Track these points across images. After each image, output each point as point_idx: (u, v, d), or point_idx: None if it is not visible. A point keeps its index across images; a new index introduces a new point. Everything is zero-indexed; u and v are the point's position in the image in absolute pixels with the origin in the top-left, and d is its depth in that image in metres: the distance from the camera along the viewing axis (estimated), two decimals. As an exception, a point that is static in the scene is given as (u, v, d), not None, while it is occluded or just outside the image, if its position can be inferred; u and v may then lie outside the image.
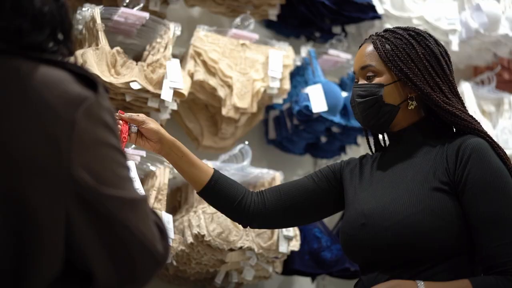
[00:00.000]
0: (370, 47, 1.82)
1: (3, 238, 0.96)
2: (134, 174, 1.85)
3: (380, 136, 1.97)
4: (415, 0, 3.44)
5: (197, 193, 1.94)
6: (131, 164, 1.89)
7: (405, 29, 1.84)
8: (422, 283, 1.60)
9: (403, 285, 1.61)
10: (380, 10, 3.31)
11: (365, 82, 1.81)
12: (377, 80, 1.79)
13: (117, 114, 1.84)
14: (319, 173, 1.97)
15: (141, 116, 1.86)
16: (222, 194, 1.90)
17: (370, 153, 1.99)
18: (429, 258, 1.65)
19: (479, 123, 1.78)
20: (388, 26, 3.34)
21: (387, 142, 1.94)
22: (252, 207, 1.92)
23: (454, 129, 1.82)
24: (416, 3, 3.43)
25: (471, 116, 1.78)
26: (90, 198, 0.99)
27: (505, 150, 3.52)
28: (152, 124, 1.85)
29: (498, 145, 1.74)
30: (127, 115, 1.84)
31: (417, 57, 1.78)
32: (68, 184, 0.98)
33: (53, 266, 1.00)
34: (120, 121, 1.82)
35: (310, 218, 2.03)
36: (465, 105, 1.86)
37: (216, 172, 1.92)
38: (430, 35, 1.85)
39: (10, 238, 0.97)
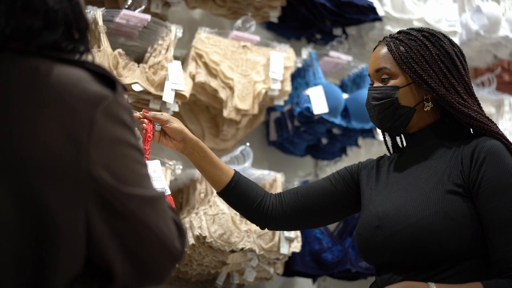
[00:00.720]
0: (384, 50, 1.83)
1: (23, 238, 0.97)
2: (159, 173, 1.87)
3: (398, 137, 1.97)
4: (416, 2, 3.45)
5: (217, 193, 1.96)
6: (157, 163, 1.91)
7: (419, 30, 1.84)
8: (434, 285, 1.60)
9: (415, 287, 1.61)
10: (380, 12, 3.32)
11: (380, 84, 1.81)
12: (392, 82, 1.79)
13: (141, 112, 1.87)
14: (337, 175, 1.97)
15: (165, 115, 1.89)
16: (242, 196, 1.92)
17: (387, 154, 1.99)
18: (442, 260, 1.64)
19: (495, 124, 1.76)
20: (389, 28, 3.36)
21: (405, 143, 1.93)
22: (270, 209, 1.94)
23: (472, 131, 1.80)
24: (417, 5, 3.44)
25: (487, 118, 1.77)
26: (110, 197, 0.99)
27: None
28: (176, 123, 1.88)
29: None
30: (151, 113, 1.88)
31: (432, 58, 1.77)
32: (87, 183, 0.98)
33: (74, 265, 1.00)
34: (145, 120, 1.85)
35: (327, 219, 2.04)
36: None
37: (236, 173, 1.94)
38: (444, 36, 1.83)
39: (31, 237, 0.97)
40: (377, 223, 1.74)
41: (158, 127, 1.87)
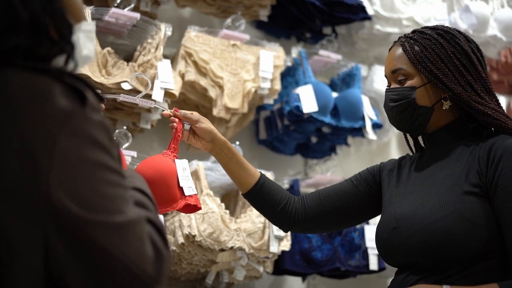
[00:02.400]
0: (399, 50, 1.81)
1: None
2: (188, 172, 1.87)
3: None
4: (405, 1, 3.46)
5: (242, 194, 1.97)
6: (185, 162, 1.88)
7: (434, 28, 1.82)
8: (449, 287, 1.59)
9: None
10: (370, 11, 3.32)
11: (397, 85, 1.80)
12: (409, 83, 1.78)
13: (172, 111, 1.89)
14: (359, 176, 1.97)
15: (195, 115, 1.90)
16: (266, 198, 1.93)
17: (410, 153, 1.98)
18: (459, 262, 1.62)
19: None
20: (378, 27, 3.37)
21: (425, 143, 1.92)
22: (294, 212, 1.94)
23: (493, 129, 1.77)
24: (406, 4, 3.45)
25: (506, 115, 1.74)
26: (70, 224, 0.92)
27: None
28: (206, 123, 1.89)
29: None
30: (182, 112, 1.89)
31: (447, 56, 1.75)
32: (46, 208, 0.91)
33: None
34: (176, 119, 1.87)
35: (350, 222, 2.03)
36: None
37: (262, 176, 1.95)
38: (460, 32, 1.81)
39: None
40: (395, 225, 1.73)
41: (187, 126, 1.89)
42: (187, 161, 1.92)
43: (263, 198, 1.94)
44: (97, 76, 2.47)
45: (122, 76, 2.52)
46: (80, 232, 0.92)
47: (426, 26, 1.86)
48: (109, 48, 2.55)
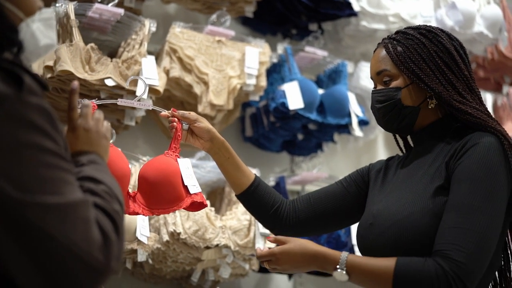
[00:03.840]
0: (383, 52, 1.81)
1: None
2: (191, 170, 1.87)
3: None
4: (391, -2, 3.45)
5: (235, 195, 1.97)
6: (187, 161, 1.89)
7: (416, 28, 1.81)
8: (346, 255, 1.61)
9: (326, 256, 1.63)
10: (356, 7, 3.31)
11: (383, 87, 1.80)
12: (394, 84, 1.77)
13: (170, 111, 1.90)
14: (348, 178, 1.97)
15: (193, 115, 1.90)
16: (259, 201, 1.93)
17: (399, 153, 1.97)
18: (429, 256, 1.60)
19: (495, 121, 1.72)
20: (364, 23, 3.35)
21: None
22: (285, 216, 1.94)
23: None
24: (392, 1, 3.44)
25: (488, 114, 1.73)
26: (8, 207, 0.91)
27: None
28: (204, 122, 1.89)
29: None
30: (180, 112, 1.89)
31: (429, 55, 1.74)
32: None
33: None
34: (175, 119, 1.87)
35: (341, 223, 2.02)
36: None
37: (257, 178, 1.95)
38: (442, 31, 1.80)
39: None
40: (371, 221, 1.74)
41: (185, 126, 1.89)
42: (189, 160, 1.91)
43: (256, 200, 1.94)
44: (80, 72, 2.44)
45: (106, 72, 2.49)
46: (17, 214, 0.92)
47: (409, 26, 1.86)
48: (92, 44, 2.52)
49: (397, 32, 1.83)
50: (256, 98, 3.00)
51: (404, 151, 1.97)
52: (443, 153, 1.72)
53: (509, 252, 1.73)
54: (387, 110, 1.79)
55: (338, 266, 1.61)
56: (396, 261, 1.56)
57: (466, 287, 1.52)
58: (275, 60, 3.12)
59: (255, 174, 1.96)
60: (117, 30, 2.79)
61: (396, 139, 1.99)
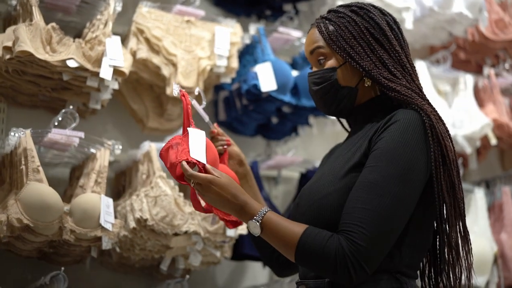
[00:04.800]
0: (315, 32, 1.79)
1: None
2: (202, 144, 1.74)
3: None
4: (368, -23, 3.36)
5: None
6: (201, 132, 1.76)
7: (348, 6, 1.80)
8: (266, 210, 1.60)
9: (246, 204, 1.61)
10: (332, -13, 3.22)
11: (318, 69, 1.78)
12: (328, 63, 1.76)
13: (214, 125, 2.03)
14: None
15: (230, 140, 2.04)
16: (259, 239, 1.90)
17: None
18: None
19: (422, 98, 1.69)
20: (340, 3, 3.25)
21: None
22: (281, 258, 1.90)
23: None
24: (369, -20, 3.35)
25: (417, 92, 1.70)
26: None
27: (460, 130, 3.46)
28: (236, 147, 2.05)
29: (437, 122, 1.63)
30: (221, 131, 2.06)
31: (360, 32, 1.73)
32: None
33: None
34: (183, 95, 1.83)
35: None
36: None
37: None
38: (374, 7, 1.79)
39: None
40: (298, 201, 1.75)
41: (221, 143, 2.02)
42: (204, 132, 1.79)
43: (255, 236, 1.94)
44: (40, 53, 2.34)
45: (68, 53, 2.39)
46: None
47: (342, 4, 1.84)
48: (53, 24, 2.42)
49: (329, 11, 1.82)
50: (228, 80, 2.90)
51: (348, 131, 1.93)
52: (371, 131, 1.67)
53: (444, 234, 1.66)
54: (324, 92, 1.76)
55: (255, 217, 1.60)
56: (304, 230, 1.56)
57: (364, 270, 1.50)
58: (248, 41, 3.03)
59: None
60: (82, 10, 2.70)
61: (340, 120, 1.98)
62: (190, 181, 1.63)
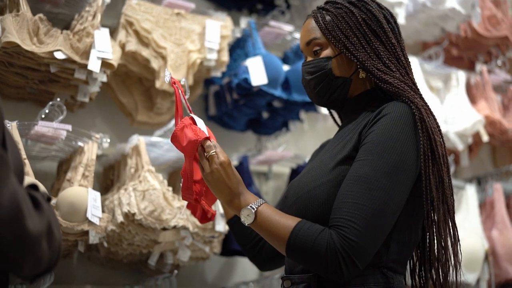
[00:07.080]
0: (312, 22, 1.79)
1: None
2: (205, 129, 1.74)
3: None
4: (361, -28, 3.34)
5: (226, 222, 2.02)
6: (201, 120, 1.77)
7: None
8: (262, 201, 1.59)
9: (243, 193, 1.61)
10: (324, -19, 3.19)
11: (313, 59, 1.76)
12: (324, 53, 1.74)
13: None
14: None
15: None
16: (244, 232, 1.98)
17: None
18: None
19: (414, 92, 1.67)
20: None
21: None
22: (264, 252, 1.95)
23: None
24: (362, -25, 3.33)
25: (410, 86, 1.68)
26: None
27: (452, 127, 3.44)
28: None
29: (427, 116, 1.61)
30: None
31: (357, 23, 1.72)
32: None
33: None
34: (174, 83, 1.83)
35: None
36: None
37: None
38: (372, 0, 1.78)
39: None
40: (286, 194, 1.73)
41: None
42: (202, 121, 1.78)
43: (241, 230, 1.98)
44: (27, 45, 2.30)
45: (56, 44, 2.36)
46: None
47: None
48: (41, 15, 2.38)
49: (327, 2, 1.81)
50: (218, 74, 2.88)
51: (340, 125, 1.92)
52: (362, 124, 1.65)
53: (433, 230, 1.63)
54: (318, 81, 1.74)
55: (251, 205, 1.58)
56: (296, 224, 1.54)
57: (355, 265, 1.49)
58: (238, 35, 3.00)
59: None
60: (71, 2, 2.66)
61: (331, 113, 1.96)
62: (203, 159, 1.63)
